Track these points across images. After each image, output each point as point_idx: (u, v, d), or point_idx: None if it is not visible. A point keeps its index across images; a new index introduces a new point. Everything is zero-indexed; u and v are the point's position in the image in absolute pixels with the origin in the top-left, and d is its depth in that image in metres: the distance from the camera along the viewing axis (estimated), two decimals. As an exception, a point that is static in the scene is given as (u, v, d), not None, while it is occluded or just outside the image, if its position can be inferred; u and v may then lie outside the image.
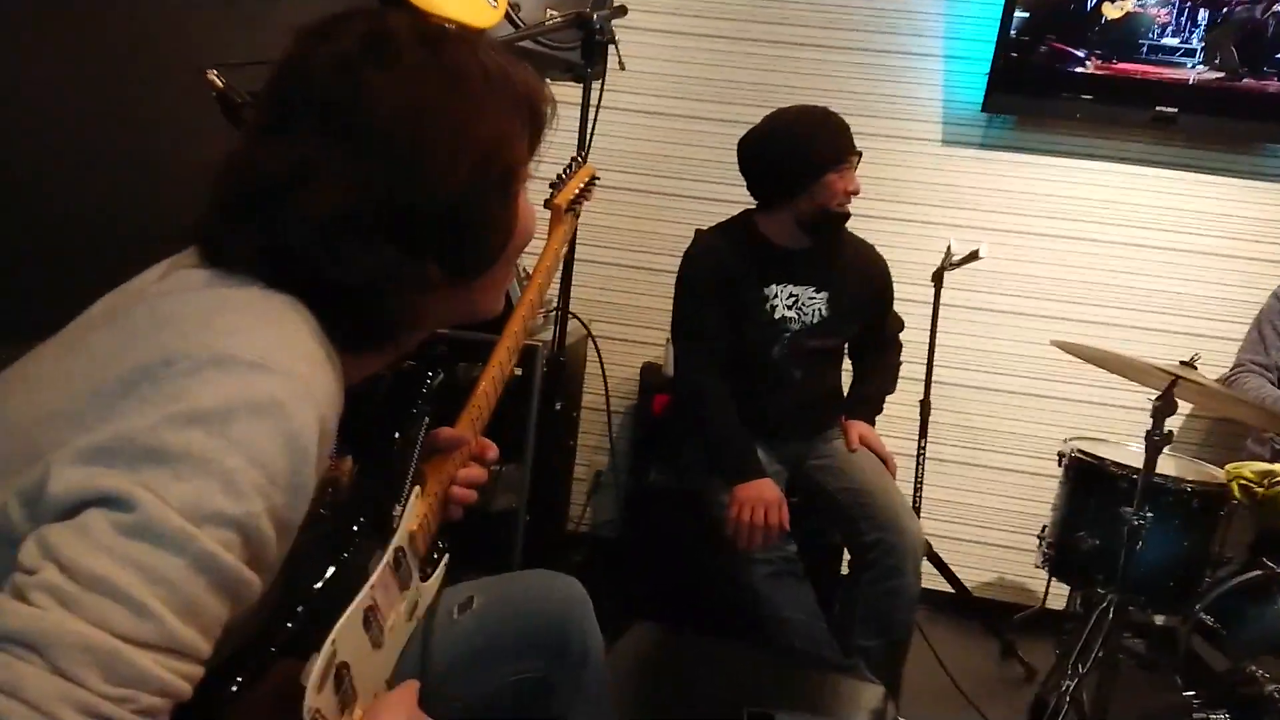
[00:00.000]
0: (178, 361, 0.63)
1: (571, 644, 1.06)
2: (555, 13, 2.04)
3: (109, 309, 0.77)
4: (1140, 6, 2.54)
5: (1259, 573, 2.04)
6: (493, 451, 1.07)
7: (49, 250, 1.23)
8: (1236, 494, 2.09)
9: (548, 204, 1.34)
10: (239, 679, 0.72)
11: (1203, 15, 2.52)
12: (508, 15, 1.94)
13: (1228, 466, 2.16)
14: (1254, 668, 1.85)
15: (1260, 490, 2.07)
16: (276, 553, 0.67)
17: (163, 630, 0.57)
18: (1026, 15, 2.57)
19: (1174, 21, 2.54)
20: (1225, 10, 2.51)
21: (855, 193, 2.02)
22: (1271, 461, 2.23)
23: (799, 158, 2.00)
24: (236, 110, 0.98)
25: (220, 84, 1.00)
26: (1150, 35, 2.56)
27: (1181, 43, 2.55)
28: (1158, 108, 2.58)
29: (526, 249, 0.93)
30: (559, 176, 1.35)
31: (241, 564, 0.61)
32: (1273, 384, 2.45)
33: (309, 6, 0.84)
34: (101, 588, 0.55)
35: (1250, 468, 2.12)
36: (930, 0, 2.71)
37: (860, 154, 2.03)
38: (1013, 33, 2.58)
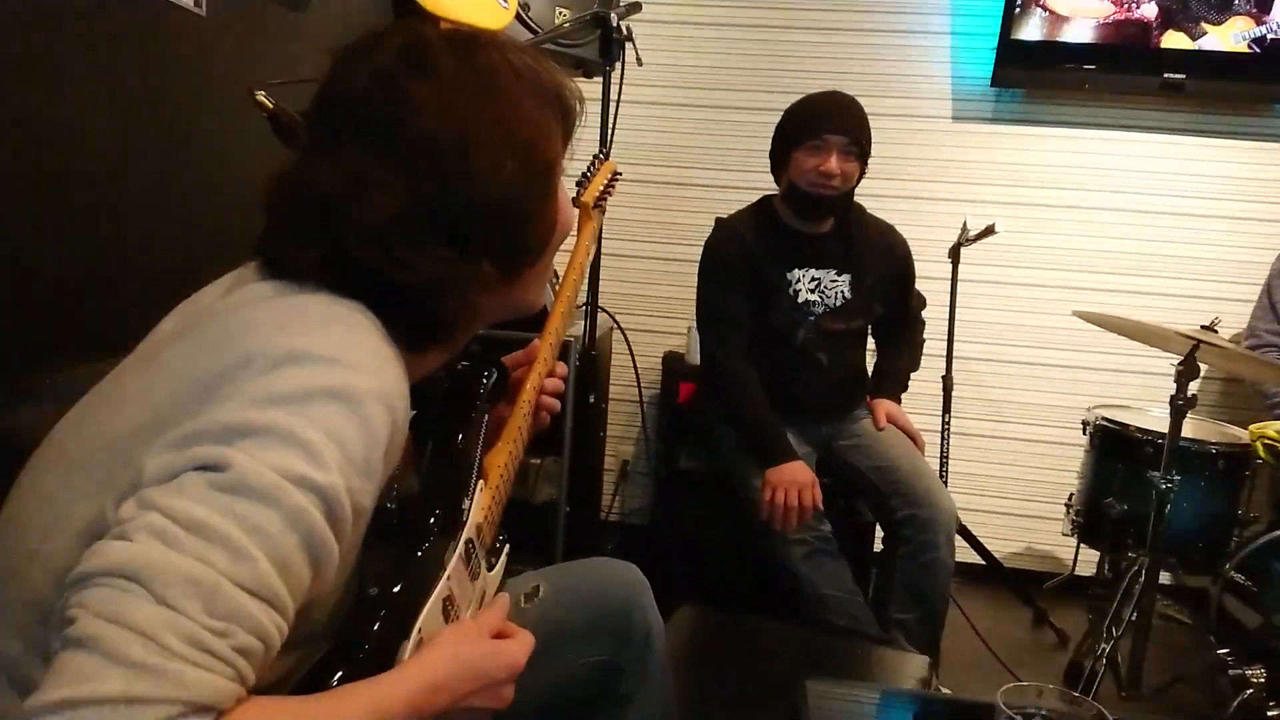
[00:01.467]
0: (255, 361, 0.66)
1: (635, 627, 1.10)
2: (565, 10, 2.07)
3: (180, 325, 0.80)
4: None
5: (1285, 530, 2.07)
6: (562, 367, 1.18)
7: (121, 271, 1.27)
8: (1261, 453, 2.12)
9: (575, 202, 1.35)
10: (340, 672, 0.76)
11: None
12: (518, 16, 1.97)
13: (1251, 427, 2.18)
14: (1286, 622, 1.88)
15: (1285, 448, 2.10)
16: (350, 539, 0.69)
17: (258, 574, 0.59)
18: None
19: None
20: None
21: (828, 174, 1.97)
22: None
23: (778, 134, 2.07)
24: (288, 129, 1.02)
25: (270, 105, 1.03)
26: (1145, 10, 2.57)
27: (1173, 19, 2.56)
28: (1165, 74, 2.60)
29: (560, 250, 0.96)
30: (584, 175, 1.37)
31: (327, 527, 0.64)
32: None
33: (333, 23, 0.86)
34: (202, 532, 0.58)
35: (1273, 427, 2.14)
36: (935, -23, 2.74)
37: (852, 137, 1.97)
38: (1018, 8, 2.60)
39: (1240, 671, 1.96)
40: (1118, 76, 2.63)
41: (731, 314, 2.08)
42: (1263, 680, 1.91)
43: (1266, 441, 2.13)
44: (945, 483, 2.45)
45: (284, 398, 0.64)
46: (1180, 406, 1.90)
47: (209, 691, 0.55)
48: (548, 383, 1.14)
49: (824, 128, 1.98)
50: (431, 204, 0.76)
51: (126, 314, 0.88)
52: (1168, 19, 2.57)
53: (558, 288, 1.29)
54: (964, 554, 2.54)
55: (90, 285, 1.24)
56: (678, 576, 2.20)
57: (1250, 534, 2.13)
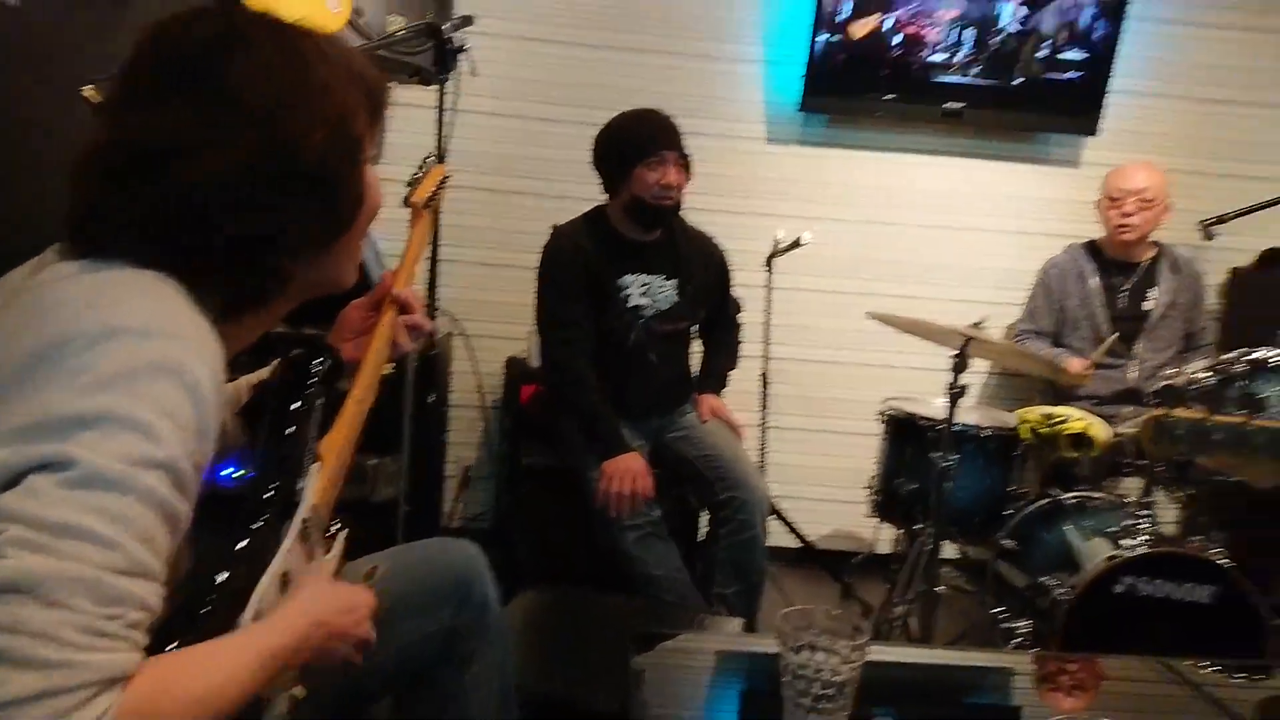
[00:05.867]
0: (72, 340, 0.68)
1: (473, 594, 1.19)
2: (399, 18, 2.12)
3: None
4: (910, 23, 2.88)
5: (1046, 500, 2.40)
6: (416, 302, 1.23)
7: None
8: (1025, 435, 2.44)
9: (406, 201, 1.37)
10: (175, 644, 0.79)
11: (968, 35, 2.91)
12: (350, 21, 2.02)
13: (1017, 412, 2.51)
14: (1046, 579, 2.18)
15: (1044, 430, 2.42)
16: (192, 496, 0.73)
17: (129, 556, 0.64)
18: (827, 37, 2.87)
19: (944, 40, 2.91)
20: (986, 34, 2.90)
21: (669, 186, 2.15)
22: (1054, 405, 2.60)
23: (615, 152, 2.20)
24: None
25: (98, 99, 1.03)
26: (927, 51, 2.91)
27: (950, 58, 2.92)
28: (945, 104, 2.94)
29: (390, 252, 1.01)
30: (414, 176, 1.40)
31: (176, 494, 0.69)
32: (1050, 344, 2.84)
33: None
34: (69, 533, 0.62)
35: (1036, 411, 2.47)
36: (751, 9, 2.95)
37: (680, 151, 2.17)
38: (823, 41, 2.86)
39: (1011, 626, 2.26)
40: (907, 105, 2.95)
41: (572, 318, 2.19)
42: (1029, 630, 2.21)
43: (1030, 425, 2.45)
44: (764, 473, 2.66)
45: (110, 380, 0.67)
46: (954, 394, 2.17)
47: (116, 668, 0.62)
48: (402, 319, 1.20)
49: (660, 144, 2.14)
50: (246, 164, 0.80)
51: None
52: (951, 56, 2.91)
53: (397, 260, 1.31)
54: (781, 538, 2.76)
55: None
56: (522, 568, 2.28)
57: (1020, 506, 2.45)
